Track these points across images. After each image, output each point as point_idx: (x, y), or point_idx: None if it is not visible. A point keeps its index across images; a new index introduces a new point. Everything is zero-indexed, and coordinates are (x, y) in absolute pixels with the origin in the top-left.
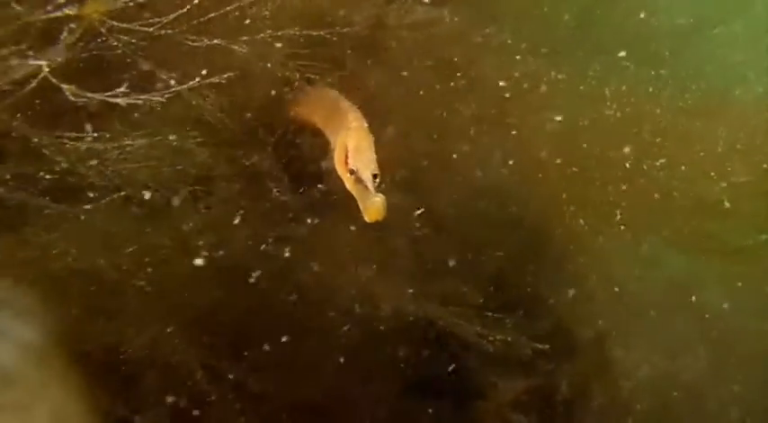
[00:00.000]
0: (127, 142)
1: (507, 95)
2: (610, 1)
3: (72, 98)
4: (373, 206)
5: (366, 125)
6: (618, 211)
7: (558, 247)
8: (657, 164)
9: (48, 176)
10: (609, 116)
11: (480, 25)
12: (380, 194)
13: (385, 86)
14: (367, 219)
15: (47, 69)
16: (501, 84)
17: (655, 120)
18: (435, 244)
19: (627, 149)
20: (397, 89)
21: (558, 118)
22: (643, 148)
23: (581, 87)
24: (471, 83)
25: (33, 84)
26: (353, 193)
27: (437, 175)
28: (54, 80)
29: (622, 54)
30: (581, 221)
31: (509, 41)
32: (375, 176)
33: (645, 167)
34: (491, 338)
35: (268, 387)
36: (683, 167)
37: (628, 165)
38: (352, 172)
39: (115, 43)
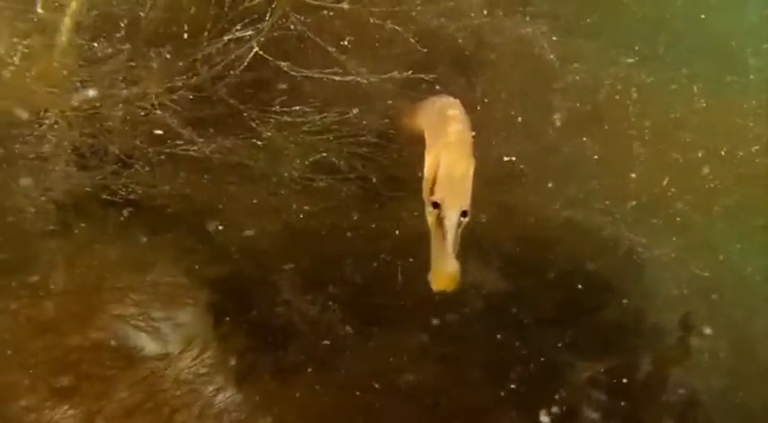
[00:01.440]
0: (317, 117)
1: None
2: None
3: (292, 73)
4: (444, 273)
5: (470, 142)
6: (716, 195)
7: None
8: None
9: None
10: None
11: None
12: (454, 261)
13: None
14: (432, 285)
15: (256, 47)
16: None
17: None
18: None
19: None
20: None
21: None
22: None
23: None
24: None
25: (245, 62)
26: (432, 235)
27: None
28: (270, 58)
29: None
30: (679, 205)
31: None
32: (464, 214)
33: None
34: None
35: None
36: None
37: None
38: (435, 205)
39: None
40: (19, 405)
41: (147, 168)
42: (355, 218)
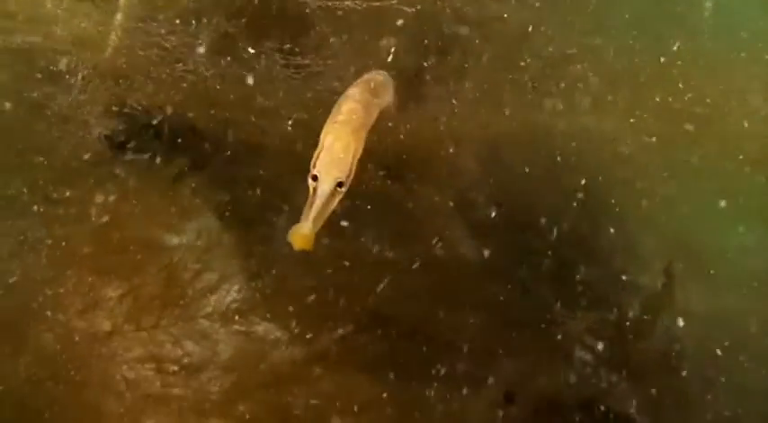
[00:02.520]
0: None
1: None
2: None
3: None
4: (300, 235)
5: (357, 123)
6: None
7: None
8: None
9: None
10: None
11: None
12: (310, 225)
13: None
14: (292, 244)
15: None
16: None
17: None
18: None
19: None
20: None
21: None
22: None
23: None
24: None
25: None
26: (307, 202)
27: None
28: None
29: None
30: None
31: None
32: (340, 185)
33: None
34: None
35: None
36: None
37: None
38: (314, 178)
39: None
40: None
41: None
42: None
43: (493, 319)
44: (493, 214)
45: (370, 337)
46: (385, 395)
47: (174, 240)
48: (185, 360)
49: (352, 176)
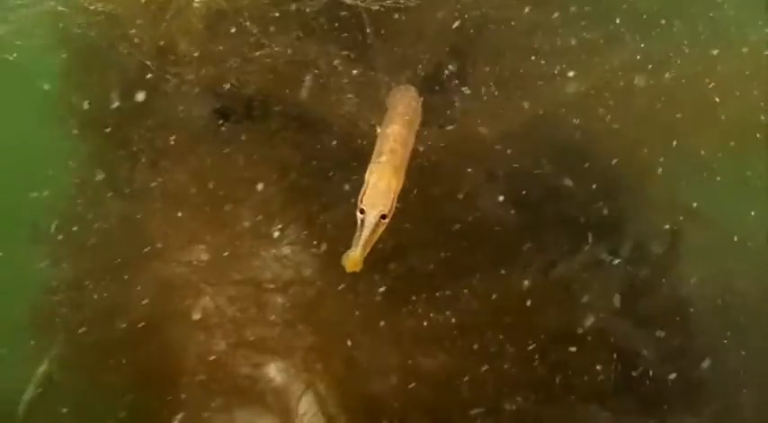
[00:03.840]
0: None
1: None
2: None
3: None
4: (350, 260)
5: (397, 162)
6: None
7: None
8: None
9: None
10: None
11: None
12: (359, 251)
13: None
14: (345, 267)
15: None
16: None
17: None
18: None
19: None
20: None
21: None
22: None
23: None
24: None
25: None
26: (355, 233)
27: None
28: None
29: None
30: None
31: None
32: (383, 217)
33: None
34: None
35: None
36: None
37: None
38: (361, 211)
39: None
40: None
41: None
42: None
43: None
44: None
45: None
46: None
47: (260, 186)
48: (277, 280)
49: (393, 209)
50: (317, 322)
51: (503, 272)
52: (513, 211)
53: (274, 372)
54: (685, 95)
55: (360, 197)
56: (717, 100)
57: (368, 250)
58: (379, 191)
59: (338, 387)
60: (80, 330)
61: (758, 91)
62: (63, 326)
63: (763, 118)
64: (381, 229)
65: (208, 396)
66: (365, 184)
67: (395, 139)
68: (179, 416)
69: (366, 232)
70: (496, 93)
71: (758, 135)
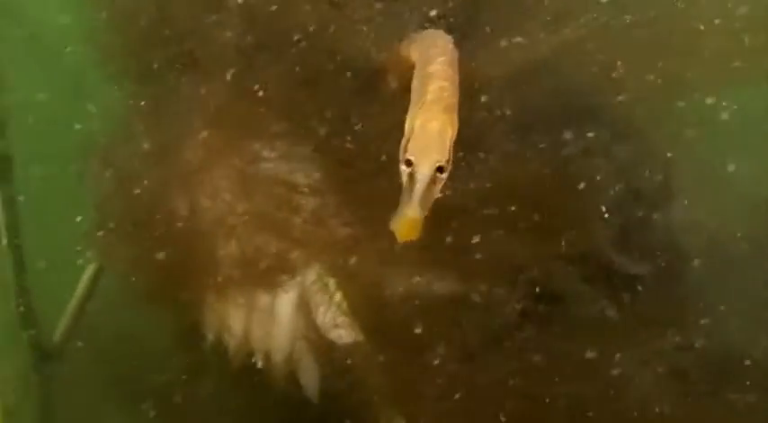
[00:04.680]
0: None
1: None
2: None
3: None
4: (406, 221)
5: (448, 100)
6: None
7: None
8: None
9: None
10: None
11: None
12: (417, 209)
13: None
14: (395, 235)
15: None
16: None
17: None
18: None
19: None
20: None
21: None
22: None
23: None
24: None
25: None
26: (402, 192)
27: None
28: None
29: None
30: None
31: None
32: (440, 170)
33: None
34: None
35: None
36: None
37: None
38: (408, 163)
39: None
40: None
41: None
42: None
43: None
44: None
45: None
46: None
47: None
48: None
49: (451, 161)
50: (342, 224)
51: None
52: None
53: (296, 262)
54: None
55: (402, 146)
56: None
57: (426, 211)
58: (431, 135)
59: (356, 284)
60: (124, 236)
61: None
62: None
63: None
64: (439, 186)
65: (234, 283)
66: (407, 133)
67: (440, 76)
68: (209, 299)
69: (420, 187)
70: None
71: None
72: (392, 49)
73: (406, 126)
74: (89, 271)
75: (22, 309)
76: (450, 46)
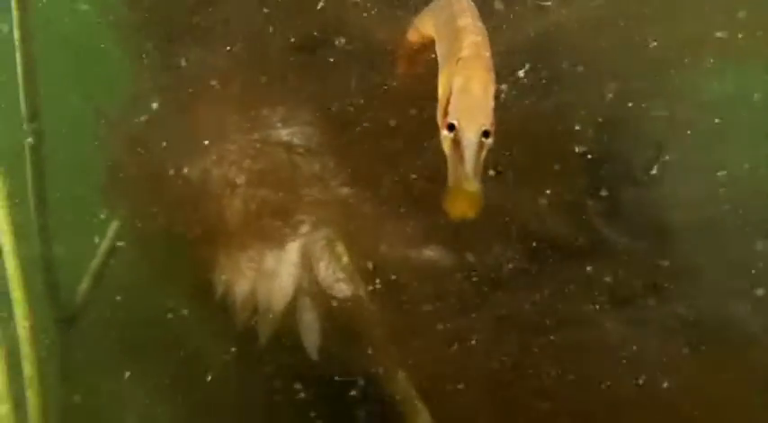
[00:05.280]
0: None
1: None
2: None
3: None
4: (464, 197)
5: (487, 55)
6: None
7: None
8: None
9: None
10: None
11: None
12: (474, 181)
13: None
14: (450, 212)
15: None
16: None
17: None
18: None
19: None
20: None
21: None
22: None
23: None
24: None
25: None
26: (448, 161)
27: None
28: None
29: None
30: None
31: None
32: (486, 135)
33: None
34: None
35: None
36: None
37: None
38: (450, 127)
39: None
40: None
41: None
42: None
43: None
44: None
45: None
46: None
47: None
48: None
49: (495, 123)
50: (341, 184)
51: None
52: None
53: (302, 223)
54: None
55: (441, 108)
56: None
57: (480, 182)
58: (474, 96)
59: (359, 245)
60: (140, 198)
61: None
62: (126, 194)
63: None
64: (485, 151)
65: (243, 242)
66: (444, 92)
67: (473, 30)
68: (221, 259)
69: (471, 153)
70: None
71: None
72: (403, 31)
73: (441, 86)
74: (110, 231)
75: (44, 273)
76: (471, 3)
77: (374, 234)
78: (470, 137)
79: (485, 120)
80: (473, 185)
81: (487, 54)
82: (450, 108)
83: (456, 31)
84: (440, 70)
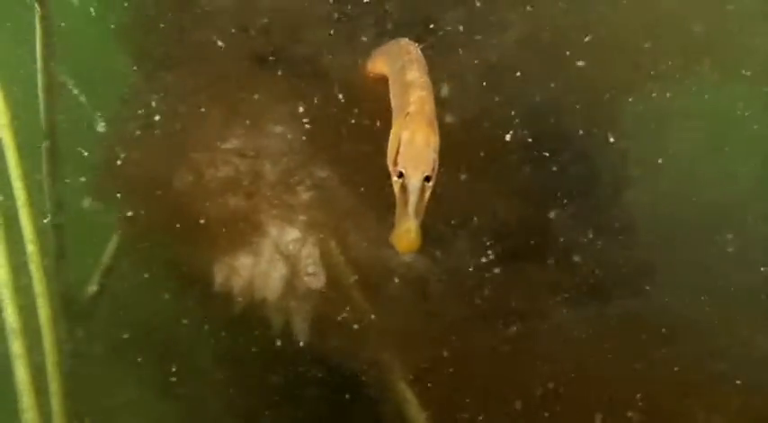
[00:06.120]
0: None
1: None
2: None
3: None
4: (405, 234)
5: (428, 110)
6: None
7: None
8: None
9: None
10: None
11: None
12: (414, 221)
13: None
14: (395, 246)
15: None
16: None
17: None
18: None
19: None
20: None
21: None
22: None
23: None
24: None
25: None
26: (396, 202)
27: None
28: None
29: None
30: None
31: None
32: (427, 179)
33: None
34: None
35: None
36: None
37: None
38: (400, 174)
39: None
40: None
41: None
42: None
43: None
44: None
45: None
46: None
47: None
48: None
49: (436, 169)
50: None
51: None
52: None
53: (287, 226)
54: None
55: (391, 158)
56: None
57: (421, 219)
58: (418, 148)
59: (345, 243)
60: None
61: None
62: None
63: None
64: (427, 194)
65: (231, 245)
66: (393, 143)
67: (418, 85)
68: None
69: (414, 198)
70: None
71: None
72: (361, 66)
73: (392, 137)
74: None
75: (53, 266)
76: (419, 52)
77: (348, 233)
78: (415, 182)
79: (426, 167)
80: (413, 223)
81: (430, 108)
82: (399, 158)
83: (405, 85)
84: (393, 120)
